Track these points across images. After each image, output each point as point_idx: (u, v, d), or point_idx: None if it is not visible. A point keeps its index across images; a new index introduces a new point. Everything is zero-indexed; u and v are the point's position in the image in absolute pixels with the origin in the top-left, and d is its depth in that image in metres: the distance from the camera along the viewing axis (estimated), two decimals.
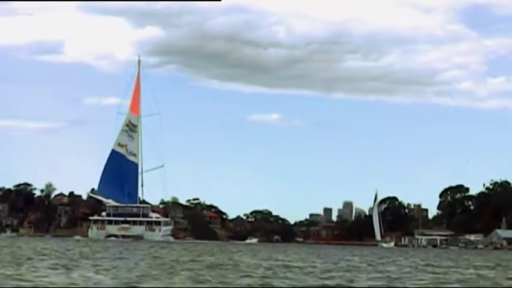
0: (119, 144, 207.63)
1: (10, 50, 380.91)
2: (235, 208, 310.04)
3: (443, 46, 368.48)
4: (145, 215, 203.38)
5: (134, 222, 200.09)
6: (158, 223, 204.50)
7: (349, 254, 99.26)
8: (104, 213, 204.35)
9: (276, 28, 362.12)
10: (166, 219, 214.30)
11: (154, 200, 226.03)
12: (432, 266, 66.84)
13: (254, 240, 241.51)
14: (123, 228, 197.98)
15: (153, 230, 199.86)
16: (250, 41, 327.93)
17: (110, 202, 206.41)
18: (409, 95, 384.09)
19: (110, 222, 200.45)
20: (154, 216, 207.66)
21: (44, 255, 65.38)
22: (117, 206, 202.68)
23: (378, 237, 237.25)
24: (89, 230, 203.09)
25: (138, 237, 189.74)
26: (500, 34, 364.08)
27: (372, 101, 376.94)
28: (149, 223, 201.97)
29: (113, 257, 65.73)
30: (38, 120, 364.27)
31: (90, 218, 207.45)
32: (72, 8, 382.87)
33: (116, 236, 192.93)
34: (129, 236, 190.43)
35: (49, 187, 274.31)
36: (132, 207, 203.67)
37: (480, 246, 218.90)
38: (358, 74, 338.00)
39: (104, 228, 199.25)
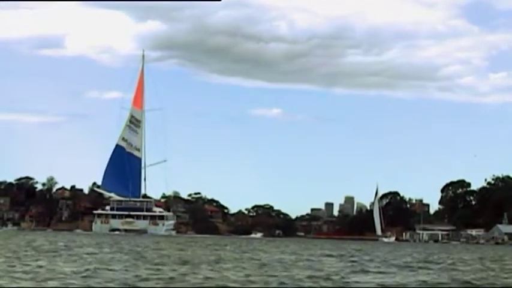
0: (123, 139, 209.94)
1: (12, 44, 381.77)
2: (236, 202, 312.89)
3: (445, 41, 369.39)
4: (148, 210, 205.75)
5: (138, 217, 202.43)
6: (162, 217, 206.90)
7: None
8: (107, 208, 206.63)
9: (277, 23, 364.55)
10: (169, 213, 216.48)
11: (155, 194, 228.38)
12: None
13: (259, 235, 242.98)
14: (127, 223, 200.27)
15: (157, 225, 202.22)
16: (252, 36, 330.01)
17: (113, 196, 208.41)
18: (411, 90, 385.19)
19: (113, 216, 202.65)
20: (157, 210, 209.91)
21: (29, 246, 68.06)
22: (121, 200, 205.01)
23: (379, 232, 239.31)
24: (93, 224, 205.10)
25: (142, 232, 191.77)
26: (502, 29, 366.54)
27: (374, 96, 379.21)
28: (153, 217, 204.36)
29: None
30: (40, 114, 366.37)
31: (94, 212, 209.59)
32: (73, 2, 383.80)
33: (119, 230, 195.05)
34: (132, 230, 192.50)
35: (50, 181, 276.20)
36: (135, 201, 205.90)
37: (481, 241, 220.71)
38: (359, 68, 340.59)
39: (107, 222, 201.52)
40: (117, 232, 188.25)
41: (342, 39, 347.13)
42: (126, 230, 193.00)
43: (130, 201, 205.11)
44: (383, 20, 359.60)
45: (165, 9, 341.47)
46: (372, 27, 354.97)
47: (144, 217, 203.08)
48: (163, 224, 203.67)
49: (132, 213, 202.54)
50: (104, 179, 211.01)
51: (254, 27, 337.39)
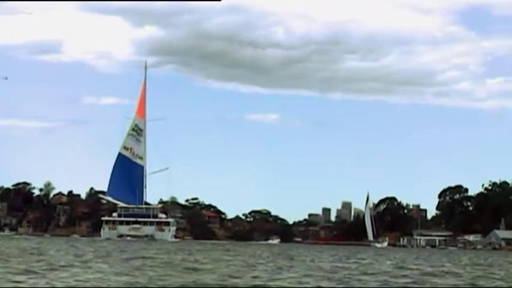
0: (125, 147, 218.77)
1: (9, 49, 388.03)
2: (234, 208, 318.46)
3: (442, 47, 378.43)
4: (154, 216, 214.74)
5: (144, 223, 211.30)
6: (167, 223, 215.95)
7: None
8: (115, 214, 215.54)
9: (274, 28, 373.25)
10: (171, 219, 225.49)
11: (154, 200, 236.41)
12: None
13: (276, 241, 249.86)
14: (134, 229, 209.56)
15: (163, 231, 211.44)
16: (249, 41, 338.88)
17: (120, 203, 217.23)
18: (408, 96, 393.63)
19: (121, 222, 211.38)
20: (163, 217, 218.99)
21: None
22: (128, 207, 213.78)
23: (370, 237, 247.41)
24: (101, 230, 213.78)
25: (149, 237, 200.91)
26: (499, 35, 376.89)
27: (371, 102, 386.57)
28: (159, 223, 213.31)
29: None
30: (37, 119, 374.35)
31: (102, 218, 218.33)
32: (71, 7, 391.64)
33: (126, 235, 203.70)
34: (139, 236, 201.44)
35: (48, 186, 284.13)
36: (142, 208, 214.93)
37: (479, 246, 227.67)
38: (356, 74, 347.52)
39: (115, 229, 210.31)
40: (128, 238, 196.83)
41: (339, 44, 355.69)
42: (133, 236, 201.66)
43: (136, 207, 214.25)
44: (380, 26, 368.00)
45: (163, 14, 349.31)
46: (369, 32, 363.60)
47: (151, 223, 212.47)
48: (169, 230, 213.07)
49: (139, 219, 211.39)
50: (109, 187, 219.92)
51: (251, 33, 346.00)
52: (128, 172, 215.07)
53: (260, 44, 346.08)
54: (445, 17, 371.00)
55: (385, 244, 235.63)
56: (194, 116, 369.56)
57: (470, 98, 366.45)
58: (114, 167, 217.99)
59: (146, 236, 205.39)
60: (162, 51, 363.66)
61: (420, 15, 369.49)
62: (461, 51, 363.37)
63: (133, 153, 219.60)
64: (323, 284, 39.78)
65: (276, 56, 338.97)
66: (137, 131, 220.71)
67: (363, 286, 39.43)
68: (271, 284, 38.34)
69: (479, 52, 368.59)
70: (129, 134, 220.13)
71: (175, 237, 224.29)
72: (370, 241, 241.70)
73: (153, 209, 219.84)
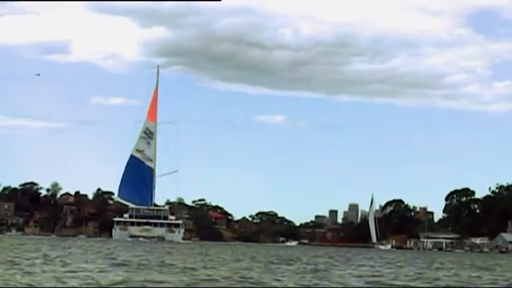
0: (137, 150, 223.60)
1: (17, 49, 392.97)
2: (241, 209, 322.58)
3: (449, 50, 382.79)
4: (165, 218, 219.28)
5: (155, 224, 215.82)
6: (177, 225, 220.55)
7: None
8: (126, 215, 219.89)
9: (282, 30, 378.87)
10: (181, 221, 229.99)
11: (161, 201, 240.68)
12: None
13: (294, 243, 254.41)
14: (145, 230, 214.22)
15: (173, 232, 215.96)
16: (257, 43, 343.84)
17: (130, 204, 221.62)
18: (415, 98, 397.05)
19: (132, 223, 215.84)
20: (173, 218, 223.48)
21: None
22: (139, 208, 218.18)
23: (374, 239, 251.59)
24: (113, 230, 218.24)
25: (160, 239, 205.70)
26: (506, 38, 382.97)
27: (378, 104, 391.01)
28: (169, 225, 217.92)
29: None
30: (44, 119, 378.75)
31: (114, 219, 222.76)
32: (79, 7, 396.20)
33: (137, 236, 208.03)
34: (150, 237, 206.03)
35: (55, 186, 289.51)
36: (152, 209, 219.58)
37: (485, 249, 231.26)
38: (364, 76, 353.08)
39: (126, 230, 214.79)
40: (141, 239, 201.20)
41: (347, 47, 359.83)
42: (144, 237, 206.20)
43: (147, 209, 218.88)
44: (387, 28, 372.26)
45: (170, 15, 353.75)
46: (377, 35, 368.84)
47: (161, 225, 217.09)
48: (179, 232, 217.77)
49: (150, 220, 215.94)
50: (120, 188, 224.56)
51: (259, 35, 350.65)
52: (139, 174, 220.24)
53: (268, 46, 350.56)
54: (452, 19, 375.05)
55: (389, 246, 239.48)
56: (201, 117, 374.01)
57: (478, 101, 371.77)
58: (125, 168, 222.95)
59: (153, 237, 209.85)
60: (170, 53, 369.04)
61: (428, 18, 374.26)
62: (468, 54, 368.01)
63: (145, 156, 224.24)
64: None
65: (283, 57, 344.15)
66: (148, 134, 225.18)
67: (363, 286, 39.98)
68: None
69: (487, 55, 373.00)
70: (141, 137, 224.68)
71: (183, 238, 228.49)
72: (374, 243, 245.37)
73: (164, 210, 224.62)
